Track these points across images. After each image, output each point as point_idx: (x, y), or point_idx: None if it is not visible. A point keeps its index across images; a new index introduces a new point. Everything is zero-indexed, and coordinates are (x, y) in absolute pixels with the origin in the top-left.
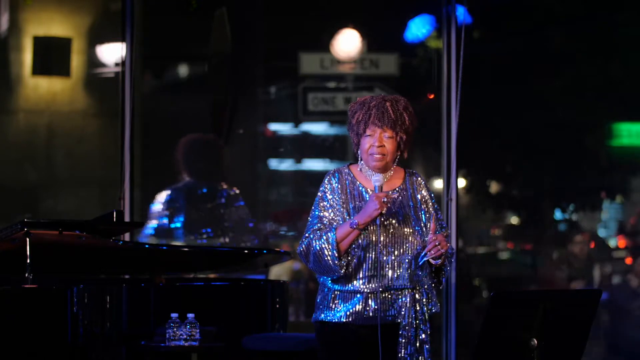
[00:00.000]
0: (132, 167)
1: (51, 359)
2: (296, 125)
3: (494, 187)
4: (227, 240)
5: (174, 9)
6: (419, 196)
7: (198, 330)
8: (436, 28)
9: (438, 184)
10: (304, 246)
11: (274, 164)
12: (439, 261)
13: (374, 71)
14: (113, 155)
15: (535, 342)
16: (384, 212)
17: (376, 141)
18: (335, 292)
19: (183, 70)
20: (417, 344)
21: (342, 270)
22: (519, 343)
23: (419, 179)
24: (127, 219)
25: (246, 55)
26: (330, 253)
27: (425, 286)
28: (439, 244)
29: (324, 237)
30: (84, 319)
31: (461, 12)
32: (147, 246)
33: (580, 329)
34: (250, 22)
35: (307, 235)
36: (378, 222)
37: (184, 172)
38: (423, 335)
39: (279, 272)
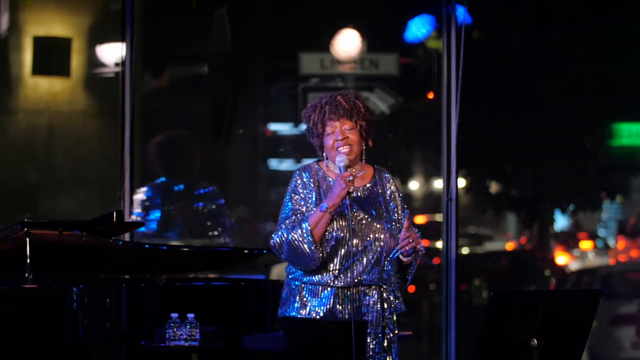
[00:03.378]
0: (132, 167)
1: (51, 359)
2: (296, 125)
3: (494, 187)
4: (227, 240)
5: (174, 9)
6: (388, 192)
7: (198, 330)
8: (436, 28)
9: (438, 184)
10: (277, 239)
11: (274, 164)
12: (410, 258)
13: (374, 71)
14: (113, 155)
15: (535, 342)
16: (351, 191)
17: (339, 135)
18: (304, 286)
19: (183, 70)
20: (385, 343)
21: (321, 258)
22: (519, 343)
23: (387, 175)
24: (127, 219)
25: (246, 55)
26: (305, 241)
27: (392, 285)
28: (412, 241)
29: (298, 226)
30: (84, 319)
31: (461, 12)
32: (147, 246)
33: (580, 329)
34: (250, 22)
35: (280, 227)
36: (347, 204)
37: (159, 170)
38: (391, 334)
39: (279, 272)
